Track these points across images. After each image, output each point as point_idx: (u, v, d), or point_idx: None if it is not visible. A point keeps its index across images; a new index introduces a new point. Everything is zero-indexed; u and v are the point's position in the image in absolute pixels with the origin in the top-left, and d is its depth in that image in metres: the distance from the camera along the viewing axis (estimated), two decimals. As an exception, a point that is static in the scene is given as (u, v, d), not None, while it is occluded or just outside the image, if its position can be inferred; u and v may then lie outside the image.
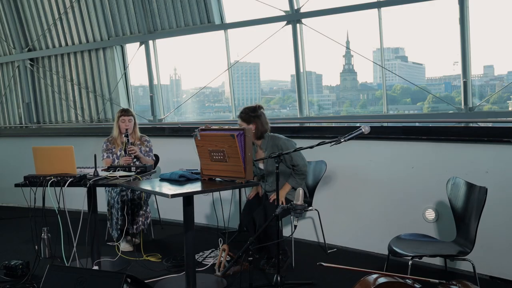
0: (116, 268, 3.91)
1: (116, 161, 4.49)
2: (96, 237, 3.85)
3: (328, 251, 4.30)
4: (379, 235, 4.12)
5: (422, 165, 3.99)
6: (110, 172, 3.85)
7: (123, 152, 4.40)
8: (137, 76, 8.71)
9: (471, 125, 4.68)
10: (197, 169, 3.60)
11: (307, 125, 5.59)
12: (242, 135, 3.19)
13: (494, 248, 3.51)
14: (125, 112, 4.55)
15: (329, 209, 4.42)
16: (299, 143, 4.15)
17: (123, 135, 4.46)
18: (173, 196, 2.99)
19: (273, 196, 3.80)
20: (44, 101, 8.56)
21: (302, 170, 3.82)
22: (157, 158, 5.10)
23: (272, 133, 3.92)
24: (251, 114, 3.82)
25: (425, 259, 2.83)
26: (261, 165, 3.93)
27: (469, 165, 3.69)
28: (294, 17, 6.16)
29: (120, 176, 3.68)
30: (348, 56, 6.83)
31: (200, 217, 5.29)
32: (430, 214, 3.94)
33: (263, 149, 3.85)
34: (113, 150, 4.57)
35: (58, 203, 3.35)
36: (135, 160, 4.44)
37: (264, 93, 7.86)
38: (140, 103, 8.53)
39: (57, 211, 3.36)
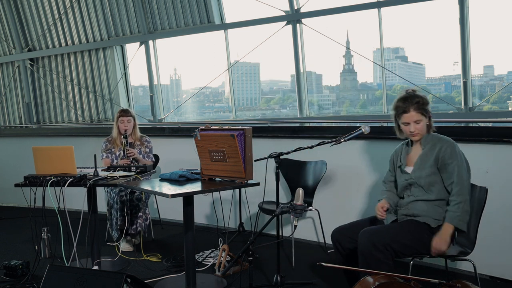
0: (116, 268, 3.91)
1: (115, 161, 4.49)
2: (96, 237, 3.85)
3: (328, 251, 4.30)
4: (379, 235, 4.11)
5: (422, 165, 3.98)
6: (110, 172, 3.85)
7: (122, 153, 4.40)
8: (137, 76, 8.73)
9: (471, 125, 4.67)
10: (197, 169, 3.60)
11: (307, 125, 5.59)
12: (242, 135, 3.19)
13: (494, 248, 3.51)
14: (124, 113, 4.53)
15: (329, 209, 4.42)
16: (299, 143, 4.15)
17: (122, 137, 4.45)
18: (173, 196, 2.99)
19: (435, 245, 2.64)
20: (44, 101, 8.56)
21: (462, 192, 2.69)
22: (157, 158, 5.10)
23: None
24: (427, 105, 2.83)
25: (425, 259, 2.82)
26: (408, 168, 2.89)
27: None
28: (294, 17, 6.16)
29: (120, 176, 3.68)
30: (348, 56, 6.84)
31: (200, 217, 5.28)
32: (430, 214, 3.93)
33: (422, 146, 2.87)
34: (113, 150, 4.56)
35: (58, 203, 3.35)
36: (133, 162, 4.43)
37: (264, 93, 7.87)
38: (140, 103, 8.54)
39: (57, 211, 3.35)
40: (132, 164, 4.21)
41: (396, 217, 2.89)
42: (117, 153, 4.50)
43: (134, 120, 4.59)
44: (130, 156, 4.36)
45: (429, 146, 2.83)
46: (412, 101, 2.78)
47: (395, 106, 2.88)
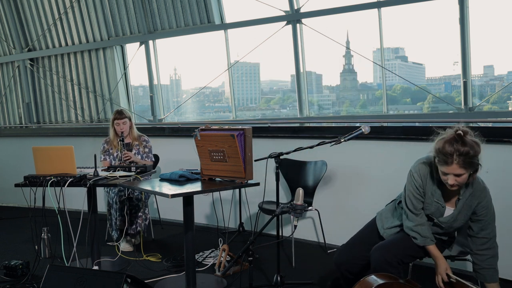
0: (116, 268, 3.91)
1: (113, 162, 4.49)
2: (96, 237, 3.85)
3: (328, 251, 4.30)
4: (379, 235, 4.11)
5: (422, 165, 3.98)
6: (110, 172, 3.85)
7: (120, 154, 4.39)
8: (137, 76, 8.73)
9: (471, 125, 4.67)
10: (197, 169, 3.60)
11: (307, 125, 5.60)
12: (242, 135, 3.19)
13: (494, 248, 3.50)
14: (119, 115, 4.51)
15: (329, 209, 4.42)
16: (299, 143, 4.15)
17: (118, 139, 4.44)
18: (173, 196, 2.99)
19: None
20: (44, 101, 8.56)
21: (493, 245, 2.66)
22: (157, 158, 5.10)
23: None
24: (477, 156, 2.35)
25: (425, 259, 2.82)
26: (448, 210, 2.57)
27: (469, 165, 3.68)
28: (294, 17, 6.17)
29: (120, 176, 3.68)
30: (348, 56, 6.84)
31: (200, 217, 5.28)
32: (430, 214, 3.93)
33: (460, 194, 2.51)
34: (110, 151, 4.56)
35: (58, 203, 3.35)
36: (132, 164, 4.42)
37: (264, 93, 7.87)
38: (140, 103, 8.53)
39: (57, 211, 3.35)
40: (132, 164, 4.21)
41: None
42: (115, 154, 4.50)
43: (130, 120, 4.58)
44: (126, 160, 4.34)
45: (467, 194, 2.50)
46: (459, 151, 2.30)
47: (439, 149, 2.36)
